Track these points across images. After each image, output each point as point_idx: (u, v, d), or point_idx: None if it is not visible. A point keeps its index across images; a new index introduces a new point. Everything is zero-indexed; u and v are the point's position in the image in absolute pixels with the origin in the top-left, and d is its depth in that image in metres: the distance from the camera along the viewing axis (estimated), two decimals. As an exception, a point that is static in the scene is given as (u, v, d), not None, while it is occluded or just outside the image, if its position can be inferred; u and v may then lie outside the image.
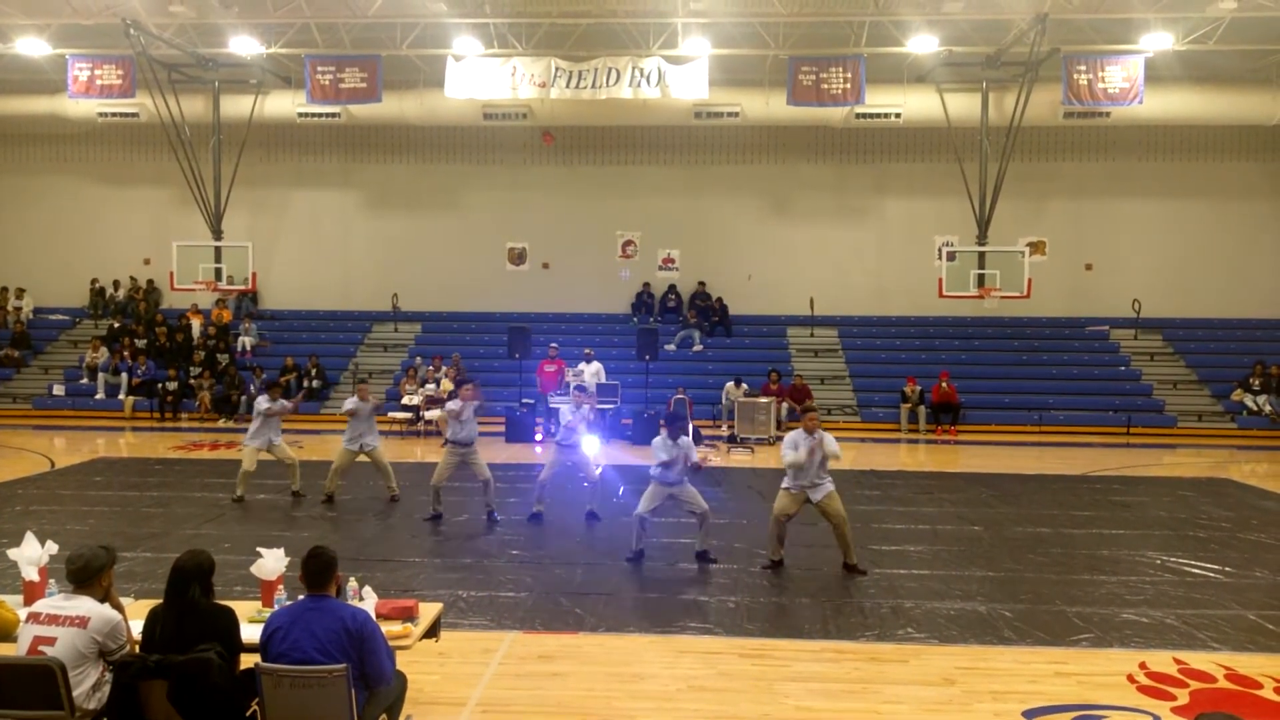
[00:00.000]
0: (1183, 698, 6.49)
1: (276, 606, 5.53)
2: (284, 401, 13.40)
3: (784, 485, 9.59)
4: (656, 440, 9.94)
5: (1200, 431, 21.25)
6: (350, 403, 13.04)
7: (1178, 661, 7.12)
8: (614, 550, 10.34)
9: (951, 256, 21.77)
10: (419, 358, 22.74)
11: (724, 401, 20.81)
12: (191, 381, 22.66)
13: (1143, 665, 7.01)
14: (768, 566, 9.58)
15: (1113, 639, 7.62)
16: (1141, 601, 8.61)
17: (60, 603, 4.77)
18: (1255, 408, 21.50)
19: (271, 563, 5.92)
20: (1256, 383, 21.73)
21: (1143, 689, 6.61)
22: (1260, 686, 6.70)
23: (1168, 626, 7.93)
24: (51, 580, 5.78)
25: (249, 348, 24.00)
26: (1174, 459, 18.45)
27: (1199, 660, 7.15)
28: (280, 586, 5.89)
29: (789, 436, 9.60)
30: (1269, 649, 7.45)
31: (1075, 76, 19.86)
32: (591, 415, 12.72)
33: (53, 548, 5.96)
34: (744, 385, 20.74)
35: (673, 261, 25.65)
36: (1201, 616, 8.19)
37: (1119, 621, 8.04)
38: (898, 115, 22.38)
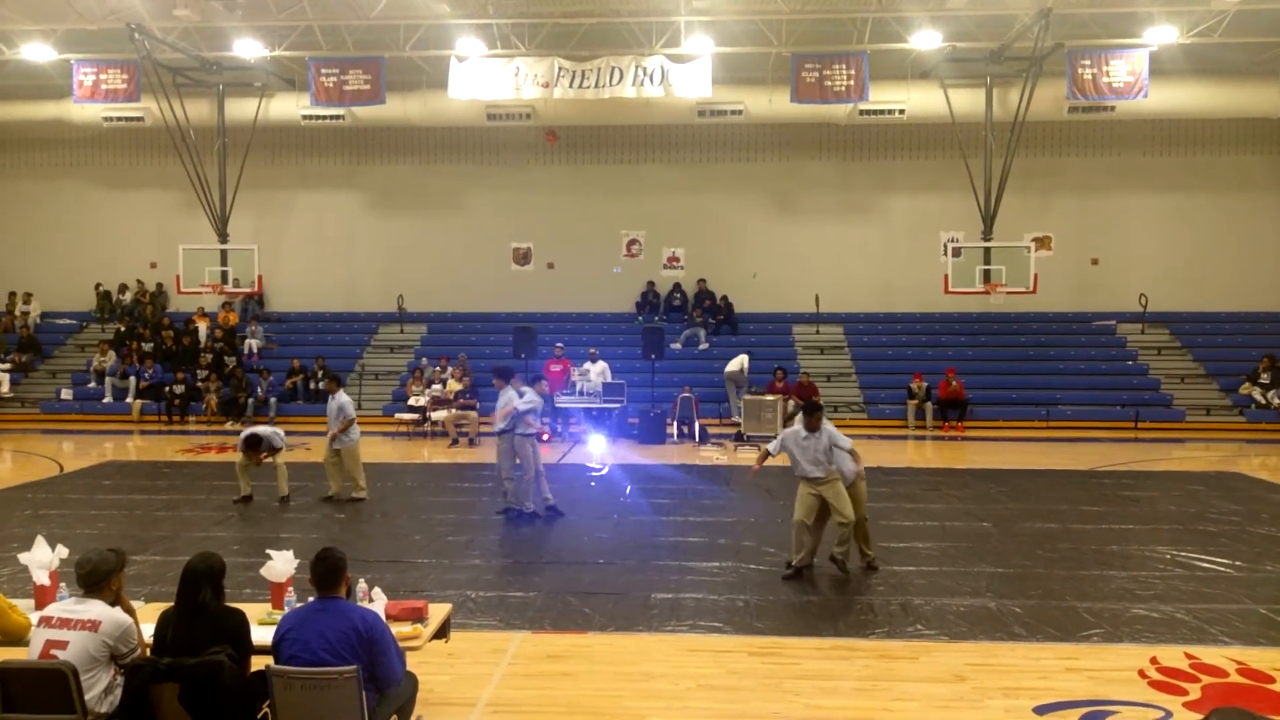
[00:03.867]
0: (1194, 692, 6.46)
1: (286, 609, 5.54)
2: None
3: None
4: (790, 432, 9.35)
5: (1209, 425, 21.20)
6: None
7: (1189, 656, 7.10)
8: (622, 549, 10.35)
9: (957, 252, 21.74)
10: (425, 358, 22.77)
11: (737, 369, 20.89)
12: (199, 384, 22.71)
13: (1154, 660, 7.00)
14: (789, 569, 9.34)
15: (1123, 634, 7.60)
16: (1152, 596, 8.59)
17: (71, 606, 4.77)
18: (1264, 401, 21.43)
19: (281, 565, 5.92)
20: (1265, 376, 21.66)
21: (1154, 684, 6.59)
22: (1272, 680, 6.67)
23: (1178, 621, 7.91)
24: (62, 584, 5.80)
25: (255, 350, 24.04)
26: (1182, 453, 18.40)
27: (1210, 655, 7.13)
28: (290, 588, 5.90)
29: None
30: (1280, 643, 7.43)
31: (1079, 71, 19.82)
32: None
33: (63, 552, 5.98)
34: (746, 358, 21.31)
35: (678, 260, 25.65)
36: (1212, 611, 8.17)
37: (1129, 617, 8.02)
38: (902, 111, 22.36)
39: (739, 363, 21.08)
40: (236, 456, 12.96)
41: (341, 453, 12.97)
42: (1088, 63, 19.82)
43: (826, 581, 9.09)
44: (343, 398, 13.11)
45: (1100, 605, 8.30)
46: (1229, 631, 7.66)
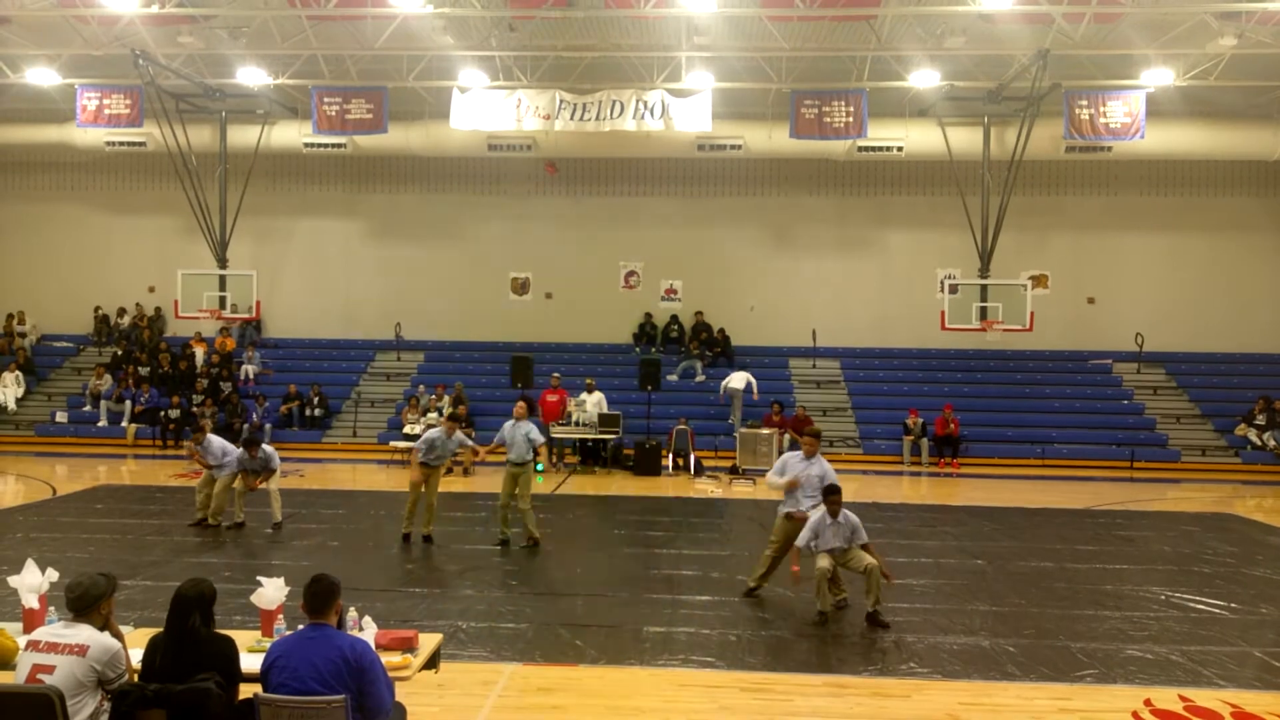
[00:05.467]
0: (1188, 735, 6.43)
1: (276, 636, 5.51)
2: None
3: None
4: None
5: (1204, 466, 21.19)
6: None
7: (1183, 699, 7.05)
8: (615, 581, 10.30)
9: (954, 289, 21.82)
10: (421, 386, 22.74)
11: (742, 386, 21.18)
12: (194, 409, 22.65)
13: (1148, 702, 6.95)
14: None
15: (1117, 675, 7.55)
16: (1146, 637, 8.55)
17: (60, 630, 4.73)
18: (1259, 443, 21.44)
19: (271, 592, 5.89)
20: (1260, 417, 21.68)
21: (1148, 726, 6.55)
22: (1266, 724, 6.63)
23: (1172, 663, 7.87)
24: (51, 608, 5.75)
25: (252, 376, 24.01)
26: (1178, 494, 18.38)
27: (1205, 698, 7.08)
28: (280, 616, 5.86)
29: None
30: (1276, 687, 7.38)
31: (1077, 111, 20.00)
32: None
33: (53, 575, 5.94)
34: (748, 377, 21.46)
35: (675, 292, 25.72)
36: (1207, 653, 8.13)
37: (1123, 657, 7.98)
38: (900, 149, 22.52)
39: (743, 379, 21.24)
40: (237, 483, 12.92)
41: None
42: (1085, 103, 20.01)
43: (819, 618, 9.02)
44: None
45: (1094, 645, 8.27)
46: (1224, 674, 7.61)
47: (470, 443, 13.04)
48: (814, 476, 9.38)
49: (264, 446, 12.90)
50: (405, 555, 11.48)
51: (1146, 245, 24.68)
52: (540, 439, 12.15)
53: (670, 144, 22.78)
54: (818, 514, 9.02)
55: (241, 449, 12.85)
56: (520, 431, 11.97)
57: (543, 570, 10.90)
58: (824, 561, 8.92)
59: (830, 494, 9.01)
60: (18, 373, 23.83)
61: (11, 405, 23.18)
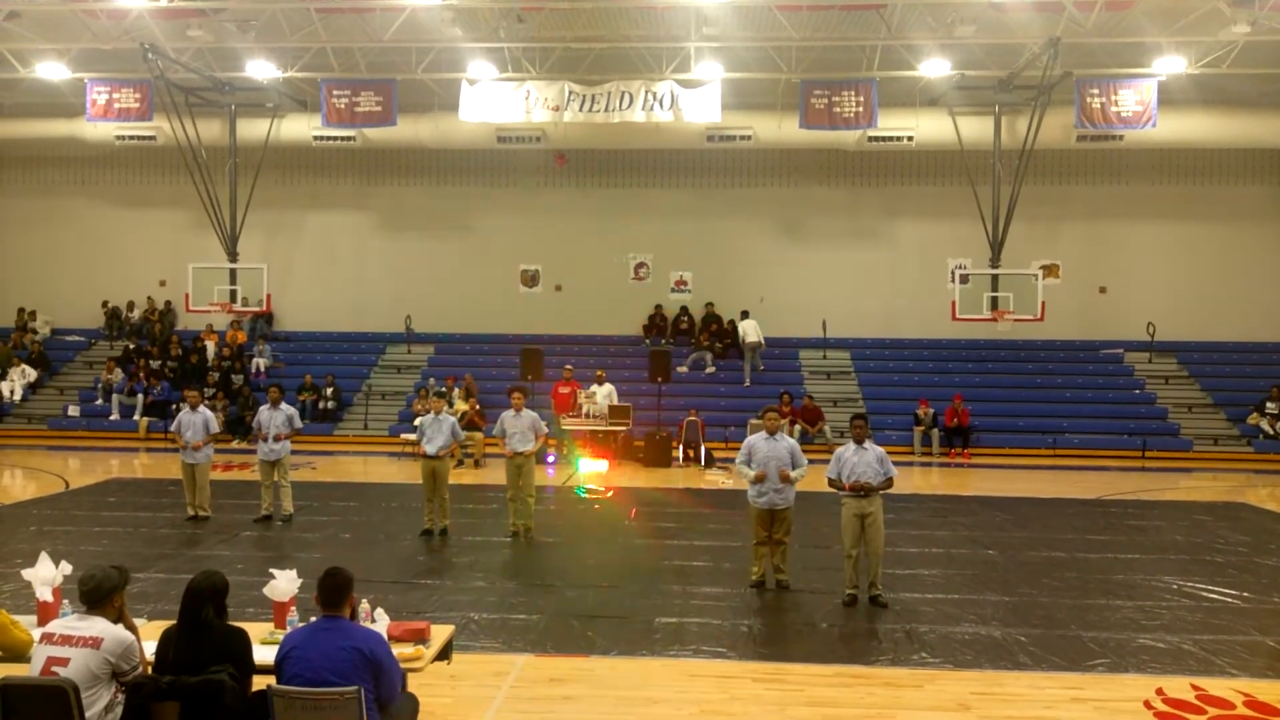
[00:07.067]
0: (1201, 725, 6.41)
1: (289, 628, 5.53)
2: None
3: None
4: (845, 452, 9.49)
5: (1216, 455, 21.09)
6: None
7: (1195, 688, 7.04)
8: (626, 572, 10.32)
9: (964, 279, 21.75)
10: (432, 379, 22.78)
11: (756, 339, 22.79)
12: (205, 403, 22.70)
13: (1160, 691, 6.94)
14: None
15: (1129, 664, 7.55)
16: (1158, 627, 8.53)
17: (74, 623, 4.77)
18: (1271, 431, 21.33)
19: (284, 584, 5.91)
20: (1272, 406, 21.56)
21: (1160, 715, 6.54)
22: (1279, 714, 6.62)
23: (1185, 652, 7.85)
24: (65, 601, 5.79)
25: (263, 369, 24.07)
26: (1189, 483, 18.32)
27: (1217, 686, 7.07)
28: (292, 608, 5.88)
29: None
30: (1289, 676, 7.37)
31: (1088, 100, 19.88)
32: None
33: (66, 568, 5.99)
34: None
35: (685, 284, 25.69)
36: (1219, 642, 8.10)
37: (1135, 647, 7.97)
38: (910, 138, 22.41)
39: (756, 329, 22.36)
40: (254, 474, 12.99)
41: (283, 463, 12.94)
42: (1096, 92, 19.87)
43: (831, 607, 9.04)
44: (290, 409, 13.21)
45: (1106, 635, 8.25)
46: (1236, 663, 7.60)
47: (461, 433, 13.08)
48: (783, 452, 9.60)
49: (284, 405, 13.07)
50: (417, 547, 11.52)
51: (1158, 234, 24.53)
52: (544, 428, 12.30)
53: (679, 135, 22.73)
54: (843, 448, 9.57)
55: (266, 404, 13.02)
56: (523, 422, 12.03)
57: (554, 561, 10.92)
58: (849, 541, 9.18)
59: (855, 419, 9.65)
60: (23, 367, 23.96)
61: (16, 397, 23.31)
